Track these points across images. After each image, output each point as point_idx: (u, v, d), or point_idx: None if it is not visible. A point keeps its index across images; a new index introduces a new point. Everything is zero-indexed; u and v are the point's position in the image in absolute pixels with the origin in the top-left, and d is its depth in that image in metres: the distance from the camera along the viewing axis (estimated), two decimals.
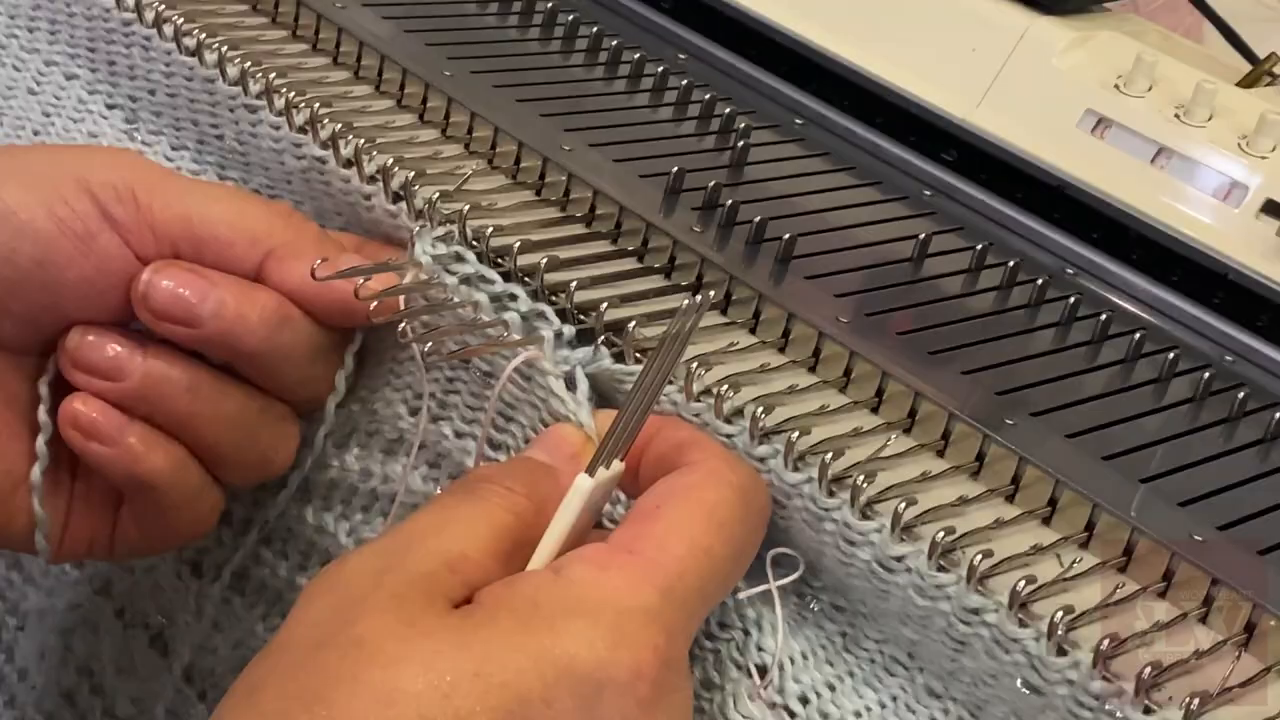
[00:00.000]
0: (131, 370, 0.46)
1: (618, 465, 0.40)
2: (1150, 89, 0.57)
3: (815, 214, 0.53)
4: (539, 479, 0.40)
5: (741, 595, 0.41)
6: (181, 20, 0.55)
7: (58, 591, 0.56)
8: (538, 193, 0.52)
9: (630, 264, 0.49)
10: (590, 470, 0.39)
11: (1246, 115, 0.56)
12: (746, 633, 0.41)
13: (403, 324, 0.43)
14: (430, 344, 0.43)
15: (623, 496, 0.43)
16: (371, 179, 0.50)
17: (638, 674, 0.36)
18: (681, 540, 0.38)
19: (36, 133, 0.58)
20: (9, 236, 0.44)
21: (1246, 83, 0.60)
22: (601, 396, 0.44)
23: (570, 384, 0.44)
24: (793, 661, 0.41)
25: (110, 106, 0.58)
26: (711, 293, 0.46)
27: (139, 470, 0.46)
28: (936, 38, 0.60)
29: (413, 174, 0.49)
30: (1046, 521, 0.42)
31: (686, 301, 0.39)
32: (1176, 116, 0.56)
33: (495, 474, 0.40)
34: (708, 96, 0.59)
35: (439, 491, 0.47)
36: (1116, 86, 0.58)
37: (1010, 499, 0.42)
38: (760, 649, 0.41)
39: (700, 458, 0.40)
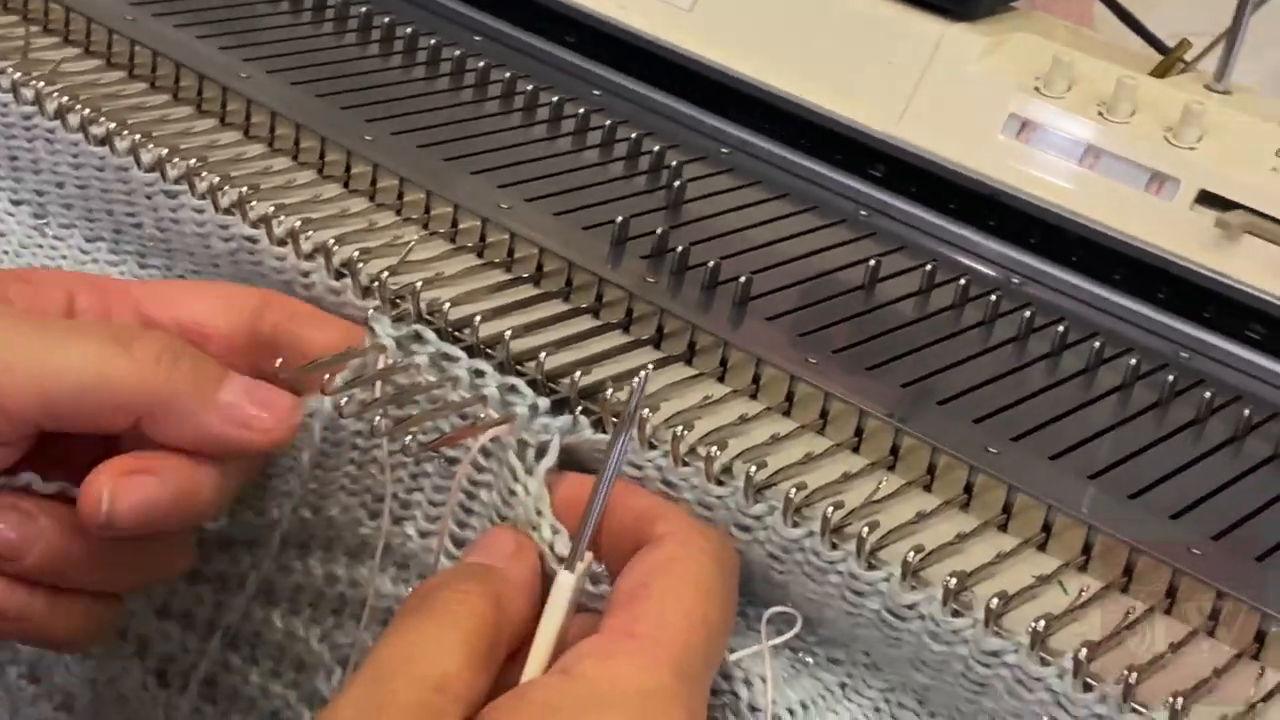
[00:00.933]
0: (27, 550, 0.43)
1: (588, 554, 0.39)
2: (1069, 89, 0.57)
3: (762, 249, 0.53)
4: (487, 576, 0.39)
5: (733, 658, 0.40)
6: (86, 110, 0.52)
7: (19, 710, 0.53)
8: (480, 254, 0.50)
9: (588, 322, 0.48)
10: (569, 565, 0.39)
11: (1169, 107, 0.56)
12: (736, 695, 0.41)
13: (377, 419, 0.41)
14: (408, 439, 0.41)
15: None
16: (309, 256, 0.48)
17: None
18: (678, 614, 0.38)
19: None
20: None
21: (1159, 72, 0.60)
22: (580, 465, 0.43)
23: (540, 454, 0.43)
24: (793, 713, 0.41)
25: (15, 203, 0.55)
26: (649, 368, 0.44)
27: (45, 635, 0.44)
28: (852, 53, 0.60)
29: (356, 250, 0.47)
30: (1042, 548, 0.42)
31: (628, 386, 0.38)
32: (1100, 114, 0.57)
33: (445, 581, 0.39)
34: (633, 135, 0.58)
35: (410, 591, 0.45)
36: (1036, 89, 0.58)
37: (1003, 528, 0.42)
38: (754, 708, 0.40)
39: (670, 529, 0.40)
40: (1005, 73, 0.58)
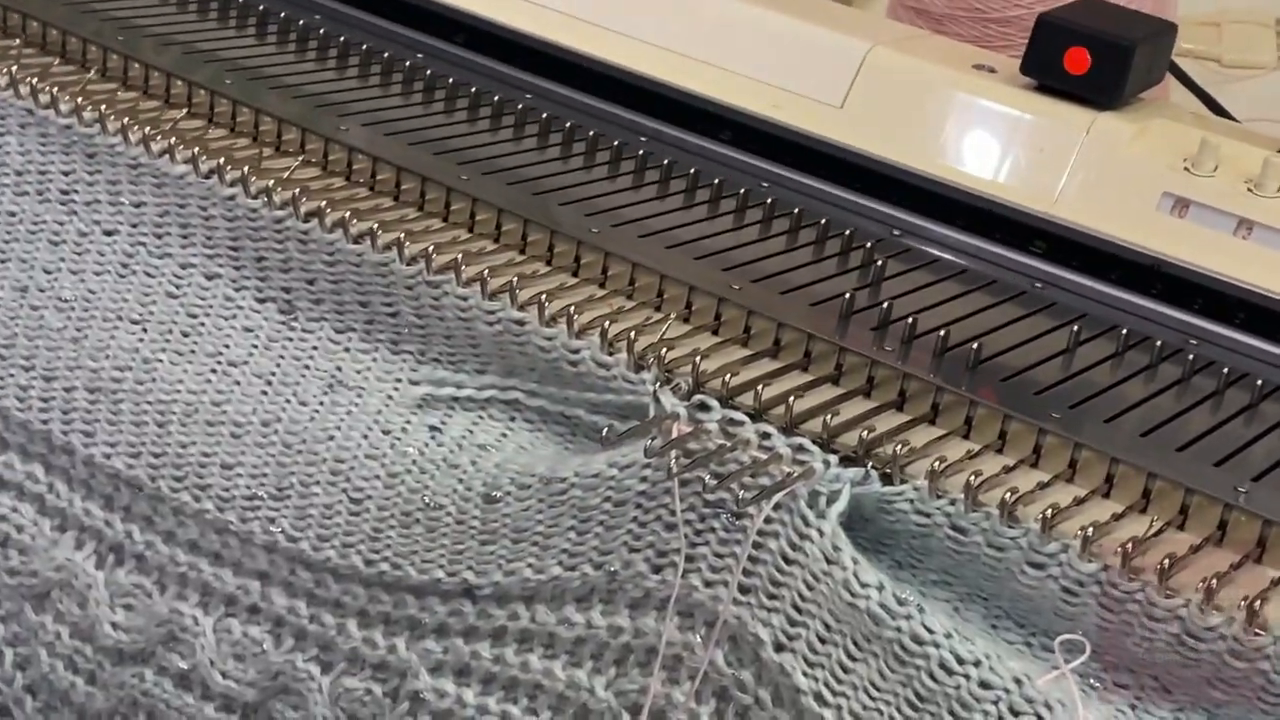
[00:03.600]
0: None
1: None
2: (1216, 168, 0.63)
3: (966, 319, 0.57)
4: None
5: (1038, 683, 0.44)
6: (345, 212, 0.56)
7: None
8: (715, 331, 0.55)
9: (831, 389, 0.52)
10: None
11: None
12: (1039, 718, 0.44)
13: (700, 474, 0.45)
14: (730, 495, 0.45)
15: None
16: (579, 334, 0.52)
17: None
18: None
19: (185, 334, 0.59)
20: None
21: None
22: (865, 519, 0.47)
23: (831, 500, 0.47)
24: None
25: (261, 300, 0.59)
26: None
27: None
28: (1005, 142, 0.65)
29: (627, 329, 0.51)
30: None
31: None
32: (1249, 190, 0.62)
33: None
34: (821, 221, 0.63)
35: (698, 639, 0.49)
36: (1186, 169, 0.63)
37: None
38: None
39: None
40: (1155, 154, 0.64)
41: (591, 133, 0.67)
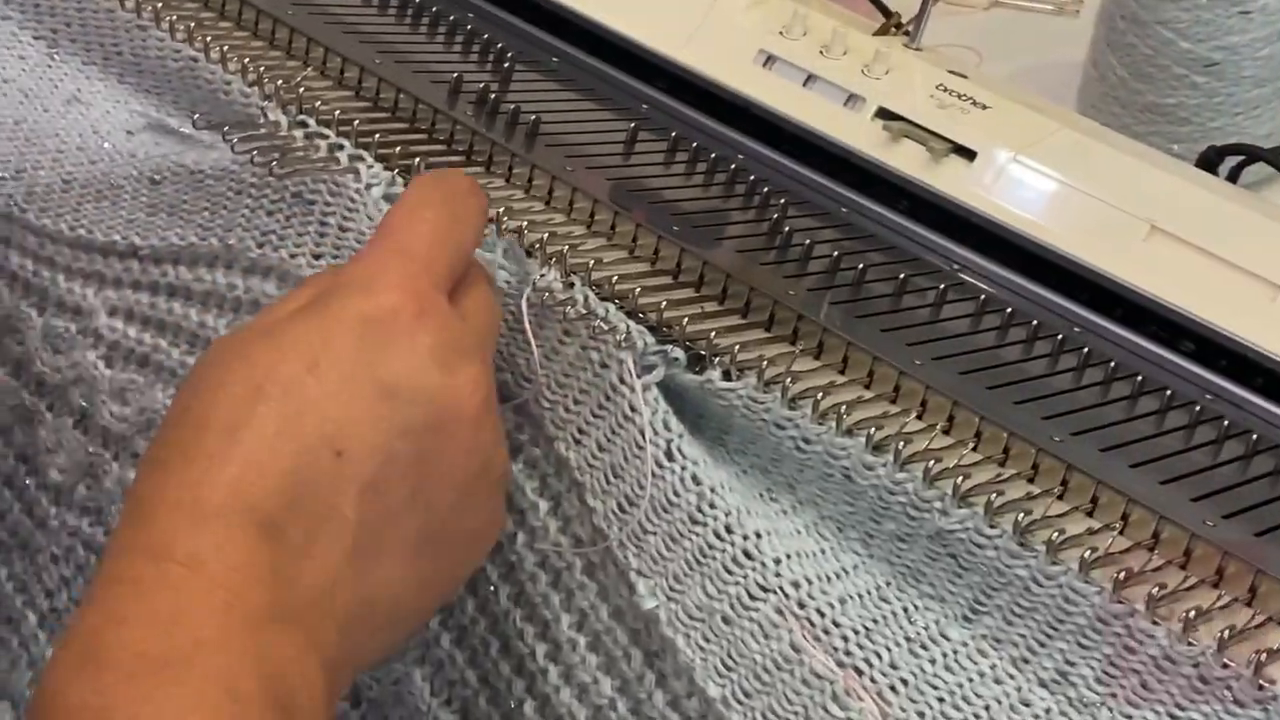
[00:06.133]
0: None
1: None
2: (804, 34, 0.80)
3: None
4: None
5: None
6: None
7: None
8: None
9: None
10: None
11: (869, 52, 0.78)
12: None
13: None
14: None
15: None
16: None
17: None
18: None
19: None
20: None
21: (879, 33, 0.82)
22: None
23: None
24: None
25: (36, 38, 0.77)
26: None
27: None
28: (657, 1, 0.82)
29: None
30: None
31: None
32: (821, 53, 0.79)
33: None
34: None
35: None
36: (780, 33, 0.80)
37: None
38: None
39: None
40: (761, 20, 0.80)
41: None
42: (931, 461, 0.53)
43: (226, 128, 0.66)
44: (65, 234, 0.73)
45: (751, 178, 0.73)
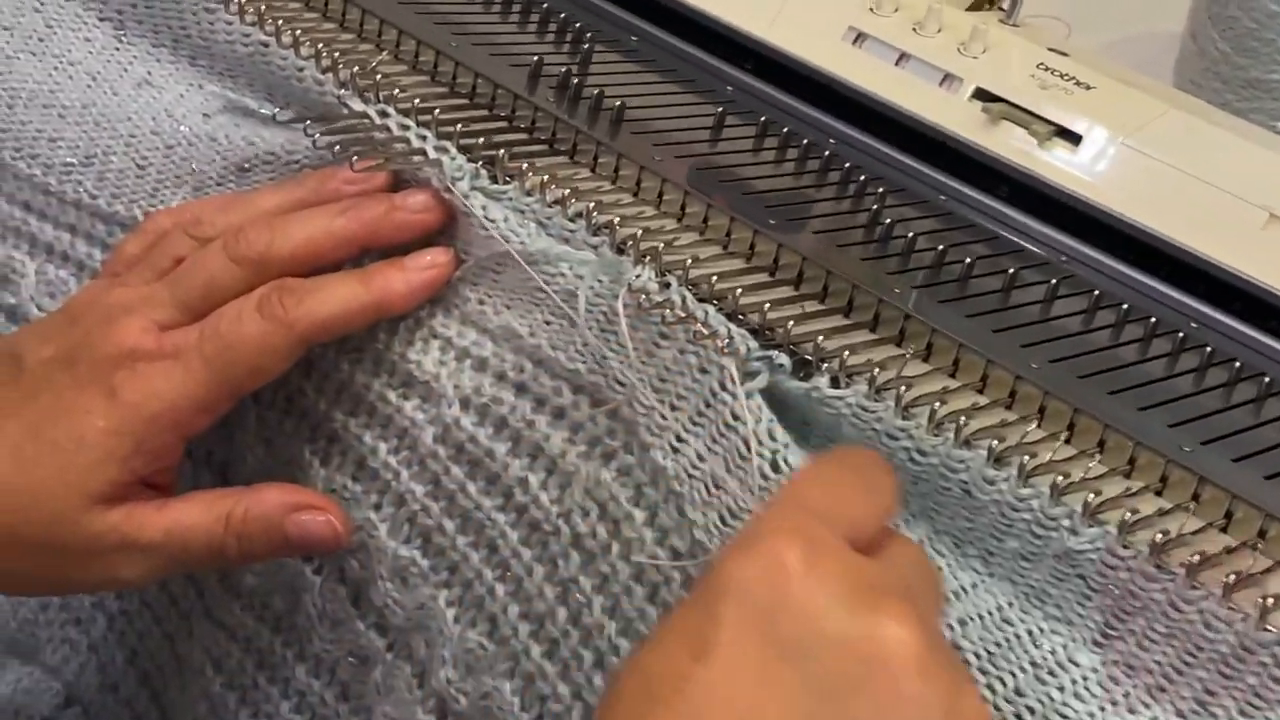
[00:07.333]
0: None
1: None
2: (896, 11, 0.76)
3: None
4: None
5: None
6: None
7: None
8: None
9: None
10: None
11: (965, 29, 0.75)
12: None
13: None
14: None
15: None
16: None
17: None
18: None
19: (41, 39, 0.75)
20: None
21: (973, 8, 0.79)
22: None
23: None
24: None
25: (101, 19, 0.75)
26: None
27: None
28: None
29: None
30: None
31: None
32: (914, 30, 0.75)
33: None
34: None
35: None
36: (871, 10, 0.76)
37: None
38: None
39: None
40: None
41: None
42: (1059, 477, 0.50)
43: (308, 121, 0.63)
44: (140, 220, 0.70)
45: (846, 164, 0.70)
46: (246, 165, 0.68)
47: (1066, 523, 0.50)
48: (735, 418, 0.54)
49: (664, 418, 0.56)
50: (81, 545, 0.58)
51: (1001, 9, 0.79)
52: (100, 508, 0.58)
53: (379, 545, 0.63)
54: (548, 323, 0.60)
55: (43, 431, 0.58)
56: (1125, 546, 0.49)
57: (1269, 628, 0.47)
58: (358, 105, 0.64)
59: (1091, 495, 0.50)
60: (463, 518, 0.61)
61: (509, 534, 0.60)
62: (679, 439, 0.56)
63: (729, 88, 0.76)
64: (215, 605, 0.69)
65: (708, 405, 0.55)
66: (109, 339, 0.59)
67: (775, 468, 0.53)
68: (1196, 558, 0.48)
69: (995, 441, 0.51)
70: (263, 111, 0.69)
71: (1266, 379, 0.59)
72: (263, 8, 0.69)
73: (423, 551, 0.62)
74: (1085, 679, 0.49)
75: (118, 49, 0.74)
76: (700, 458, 0.55)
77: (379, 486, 0.63)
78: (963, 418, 0.52)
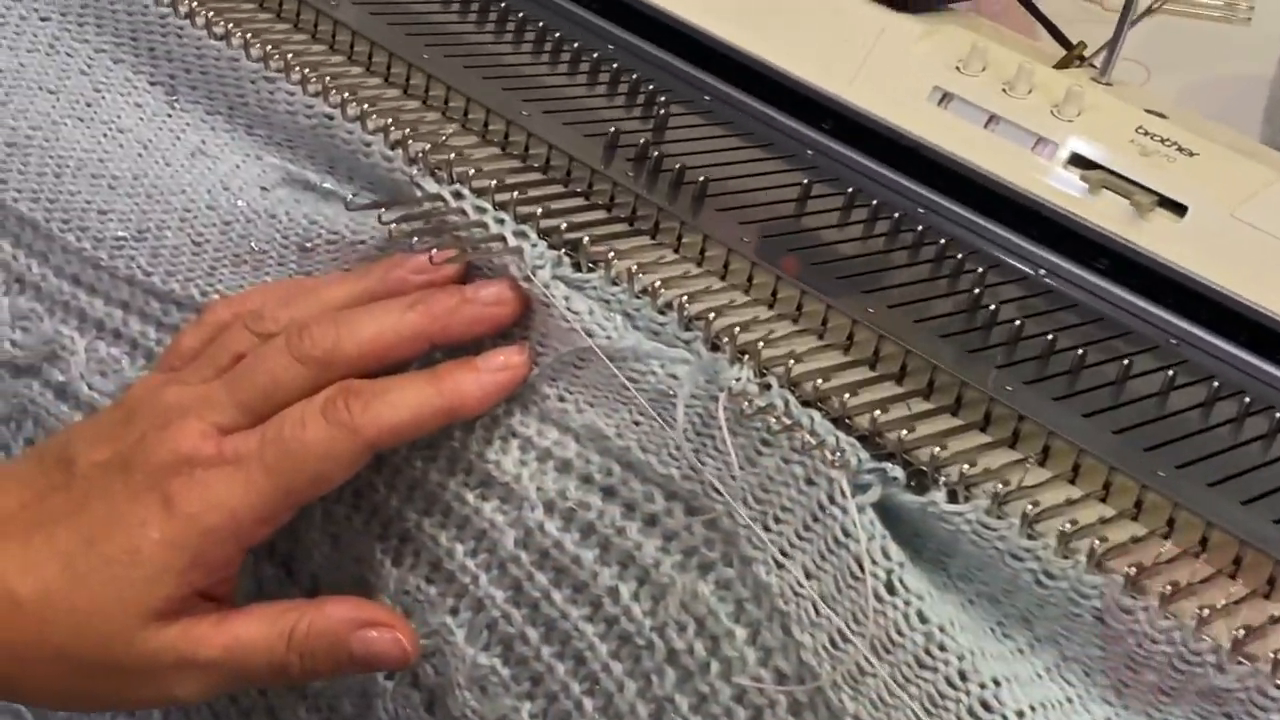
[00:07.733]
0: None
1: None
2: (983, 69, 0.73)
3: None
4: None
5: None
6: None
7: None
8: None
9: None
10: None
11: (1058, 89, 0.71)
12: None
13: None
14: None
15: None
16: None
17: None
18: None
19: (89, 104, 0.72)
20: None
21: (1061, 65, 0.75)
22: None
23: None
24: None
25: (152, 83, 0.71)
26: None
27: None
28: (817, 32, 0.75)
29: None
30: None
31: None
32: (1003, 91, 0.72)
33: None
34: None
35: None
36: (957, 69, 0.73)
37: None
38: None
39: None
40: (935, 54, 0.73)
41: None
42: (1203, 609, 0.47)
43: (383, 211, 0.60)
44: (197, 300, 0.67)
45: (941, 240, 0.66)
46: (308, 244, 0.64)
47: (1212, 659, 0.46)
48: (846, 534, 0.51)
49: (766, 530, 0.53)
50: (136, 665, 0.55)
51: (1093, 65, 0.75)
52: (156, 625, 0.55)
53: (456, 651, 0.60)
54: (636, 423, 0.57)
55: (96, 543, 0.55)
56: (1279, 687, 0.46)
57: None
58: (431, 186, 0.61)
59: (1241, 630, 0.46)
60: (547, 626, 0.58)
61: (598, 646, 0.57)
62: (784, 554, 0.52)
63: (809, 151, 0.72)
64: (279, 706, 0.66)
65: (815, 519, 0.52)
66: (165, 443, 0.56)
67: (890, 589, 0.50)
68: None
69: (1132, 568, 0.48)
70: (325, 186, 0.65)
71: None
72: (327, 79, 0.65)
73: (503, 660, 0.59)
74: None
75: (169, 115, 0.70)
76: (808, 574, 0.52)
77: (456, 590, 0.60)
78: (1096, 540, 0.49)
